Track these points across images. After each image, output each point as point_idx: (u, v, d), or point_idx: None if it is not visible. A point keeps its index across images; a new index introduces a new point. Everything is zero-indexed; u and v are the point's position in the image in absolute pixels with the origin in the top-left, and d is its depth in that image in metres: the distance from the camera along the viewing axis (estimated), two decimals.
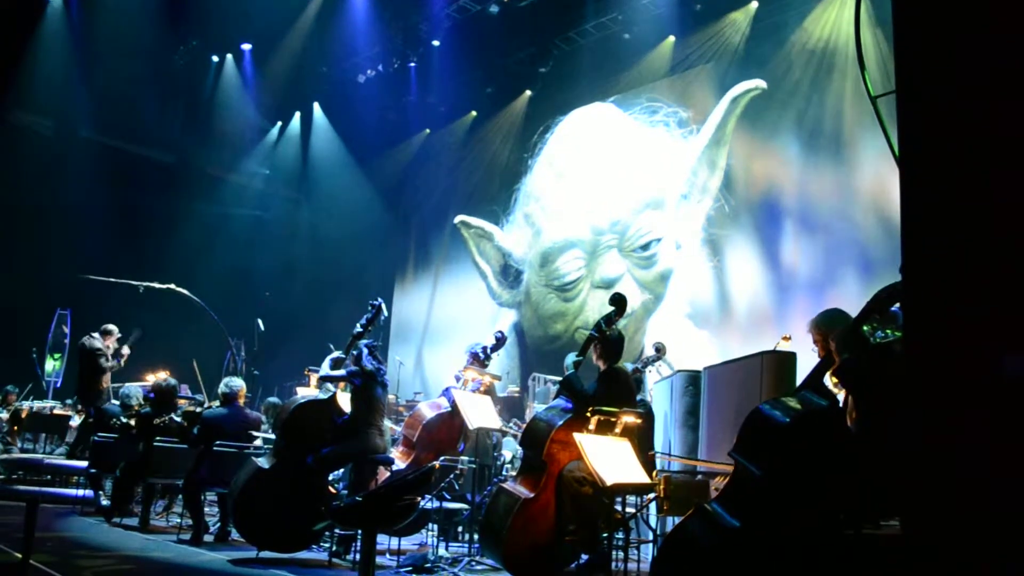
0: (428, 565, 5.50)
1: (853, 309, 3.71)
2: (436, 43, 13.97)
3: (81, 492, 7.94)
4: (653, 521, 5.83)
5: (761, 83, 10.85)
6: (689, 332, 11.24)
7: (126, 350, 9.65)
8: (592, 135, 13.27)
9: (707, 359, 8.47)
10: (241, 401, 7.18)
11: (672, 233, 11.73)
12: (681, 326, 11.36)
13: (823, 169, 10.20)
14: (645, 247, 11.92)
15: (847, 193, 9.89)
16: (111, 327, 9.65)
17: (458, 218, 15.11)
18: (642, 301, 11.74)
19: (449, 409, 6.76)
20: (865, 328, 3.66)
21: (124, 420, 7.74)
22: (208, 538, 6.53)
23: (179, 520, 7.11)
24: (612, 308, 5.48)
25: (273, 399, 9.50)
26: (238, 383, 7.19)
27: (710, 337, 11.00)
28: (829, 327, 3.81)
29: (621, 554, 5.03)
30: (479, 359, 7.00)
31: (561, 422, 5.16)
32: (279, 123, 16.75)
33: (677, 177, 11.70)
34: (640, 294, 11.74)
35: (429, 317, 16.11)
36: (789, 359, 5.13)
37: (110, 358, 9.46)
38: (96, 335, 9.53)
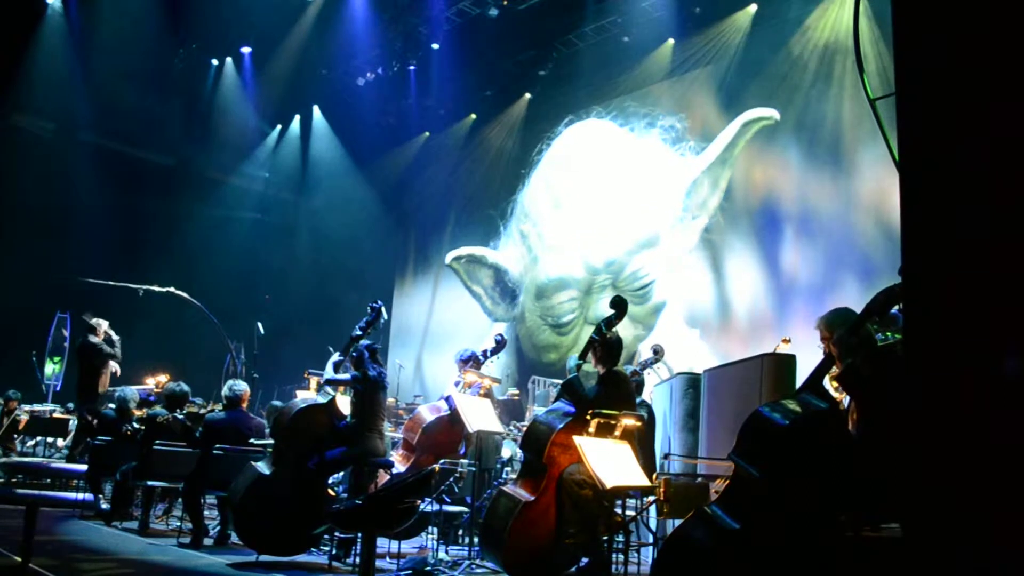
0: (428, 568, 5.48)
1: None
2: (435, 46, 13.98)
3: (81, 495, 7.94)
4: (653, 524, 5.82)
5: (775, 114, 10.69)
6: (687, 337, 11.23)
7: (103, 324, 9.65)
8: (589, 157, 13.22)
9: (706, 364, 8.45)
10: (244, 405, 7.16)
11: (667, 265, 11.73)
12: (679, 331, 11.35)
13: (822, 173, 10.20)
14: (640, 288, 11.89)
15: (847, 197, 9.88)
16: (96, 320, 9.64)
17: (448, 259, 15.07)
18: (634, 335, 11.62)
19: (448, 412, 6.76)
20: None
21: (136, 426, 7.71)
22: (208, 541, 6.52)
23: (179, 524, 7.10)
24: (612, 311, 5.48)
25: (277, 403, 9.48)
26: (242, 387, 7.14)
27: (710, 342, 10.99)
28: (838, 326, 3.76)
29: (621, 557, 5.02)
30: (478, 362, 6.99)
31: (562, 425, 5.16)
32: (279, 126, 16.75)
33: (676, 194, 11.67)
34: (632, 328, 11.60)
35: (429, 320, 16.11)
36: (789, 362, 5.13)
37: (107, 347, 9.46)
38: (90, 335, 9.54)
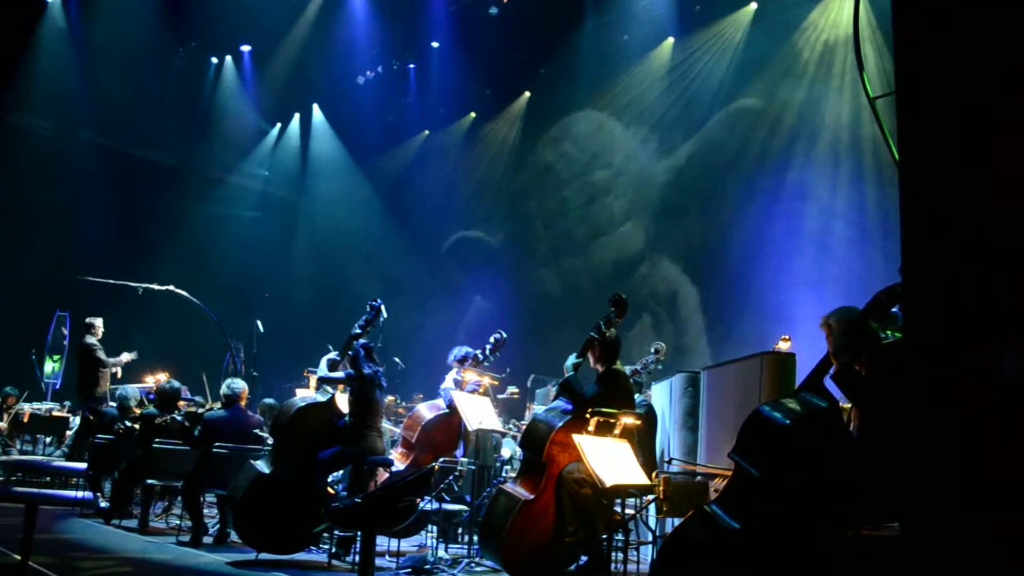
0: (427, 567, 5.49)
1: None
2: (435, 44, 13.98)
3: (80, 494, 7.95)
4: (653, 522, 5.82)
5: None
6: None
7: (127, 356, 9.64)
8: (575, 165, 13.52)
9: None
10: (243, 403, 7.16)
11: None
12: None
13: (820, 172, 10.23)
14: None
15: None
16: (92, 320, 9.63)
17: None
18: None
19: (447, 410, 6.75)
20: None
21: (128, 424, 7.71)
22: (207, 540, 6.52)
23: (178, 522, 7.11)
24: (612, 309, 5.48)
25: (269, 400, 9.47)
26: (240, 385, 7.15)
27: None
28: (844, 322, 3.74)
29: (621, 555, 5.03)
30: (477, 360, 6.98)
31: (561, 423, 5.16)
32: (278, 124, 16.71)
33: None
34: None
35: (426, 316, 16.13)
36: (788, 360, 5.13)
37: (103, 353, 9.46)
38: (88, 335, 9.54)
